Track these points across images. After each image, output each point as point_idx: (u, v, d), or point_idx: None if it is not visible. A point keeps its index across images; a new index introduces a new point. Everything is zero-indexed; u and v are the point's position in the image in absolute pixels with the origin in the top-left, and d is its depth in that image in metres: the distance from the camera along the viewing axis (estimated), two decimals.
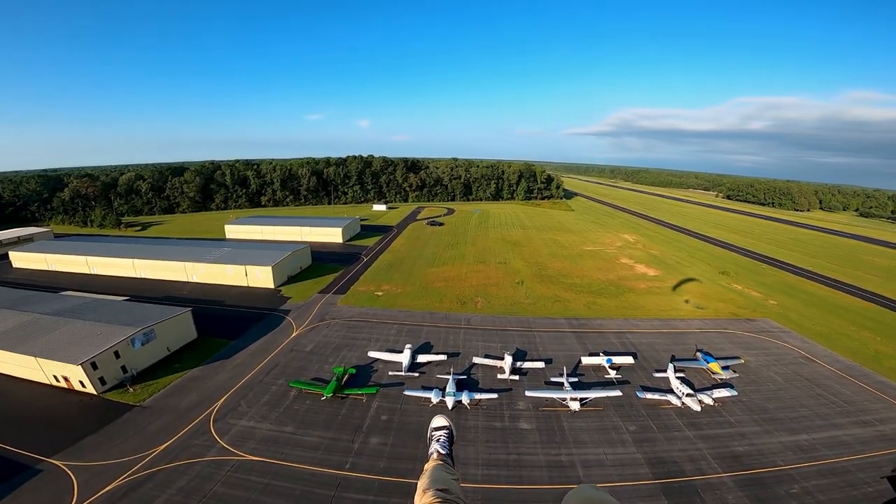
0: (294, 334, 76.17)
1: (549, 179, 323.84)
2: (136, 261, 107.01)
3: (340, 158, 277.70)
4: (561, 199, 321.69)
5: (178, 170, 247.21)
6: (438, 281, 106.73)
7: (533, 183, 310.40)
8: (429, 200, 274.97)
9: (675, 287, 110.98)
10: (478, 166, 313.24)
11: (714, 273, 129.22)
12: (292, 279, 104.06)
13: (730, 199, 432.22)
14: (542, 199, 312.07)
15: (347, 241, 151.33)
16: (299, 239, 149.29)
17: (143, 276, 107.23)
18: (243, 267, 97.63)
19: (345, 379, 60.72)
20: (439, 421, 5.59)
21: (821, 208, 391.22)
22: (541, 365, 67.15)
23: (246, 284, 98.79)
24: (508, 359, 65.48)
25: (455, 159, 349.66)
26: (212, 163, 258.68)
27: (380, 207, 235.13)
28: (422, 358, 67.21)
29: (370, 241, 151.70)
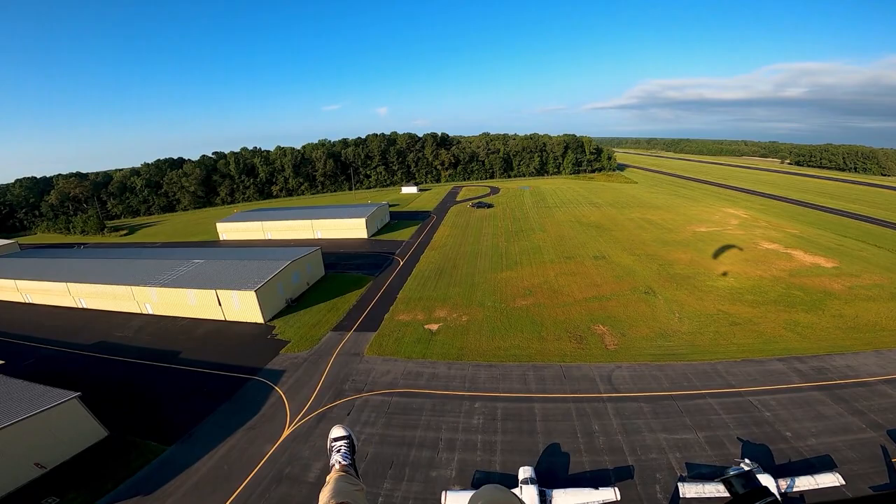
0: (285, 434, 39.21)
1: (599, 150, 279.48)
2: (71, 286, 72.41)
3: (360, 138, 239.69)
4: (613, 170, 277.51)
5: (176, 162, 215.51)
6: (519, 295, 67.93)
7: (581, 155, 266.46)
8: (464, 179, 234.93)
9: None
10: (514, 138, 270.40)
11: None
12: (293, 304, 67.11)
13: (799, 164, 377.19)
14: (593, 171, 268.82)
15: (374, 235, 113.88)
16: (311, 236, 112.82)
17: (84, 307, 72.78)
18: (212, 291, 60.90)
19: None
20: (338, 431, 5.13)
21: None
22: (831, 480, 29.00)
23: (221, 318, 62.33)
24: (769, 480, 27.47)
25: (487, 134, 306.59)
26: (215, 153, 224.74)
27: (410, 190, 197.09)
28: (564, 497, 29.15)
29: (405, 234, 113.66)
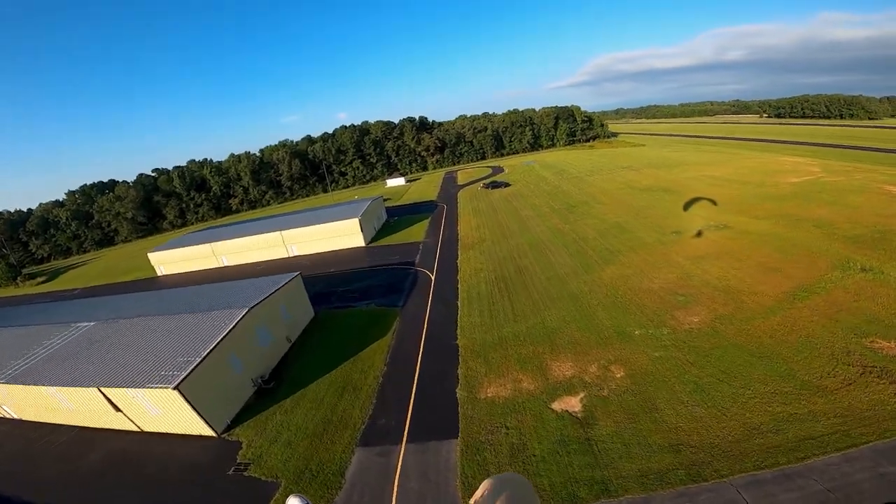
0: None
1: (590, 119, 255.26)
2: None
3: (327, 133, 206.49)
4: (608, 138, 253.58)
5: (107, 185, 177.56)
6: (672, 305, 39.51)
7: (574, 124, 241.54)
8: (453, 164, 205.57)
9: None
10: (497, 116, 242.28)
11: None
12: (268, 385, 36.02)
13: (780, 117, 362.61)
14: (587, 140, 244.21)
15: (373, 241, 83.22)
16: (285, 255, 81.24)
17: None
18: (93, 390, 29.40)
19: None
20: (294, 501, 4.65)
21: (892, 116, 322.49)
22: None
23: (133, 428, 31.14)
24: None
25: (464, 116, 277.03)
26: (155, 170, 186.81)
27: (397, 182, 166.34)
28: None
29: (415, 233, 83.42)
